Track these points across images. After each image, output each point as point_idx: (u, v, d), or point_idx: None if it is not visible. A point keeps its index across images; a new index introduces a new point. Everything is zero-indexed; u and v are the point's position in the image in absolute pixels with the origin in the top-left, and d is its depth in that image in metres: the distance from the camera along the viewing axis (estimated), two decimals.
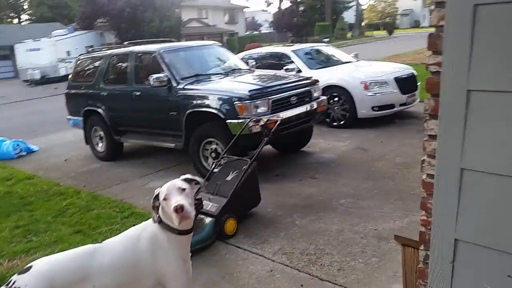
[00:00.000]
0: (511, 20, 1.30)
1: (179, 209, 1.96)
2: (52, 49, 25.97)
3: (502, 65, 1.34)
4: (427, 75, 1.65)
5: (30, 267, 1.96)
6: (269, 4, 71.19)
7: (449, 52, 1.42)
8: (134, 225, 3.57)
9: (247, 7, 53.73)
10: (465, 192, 1.50)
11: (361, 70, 8.04)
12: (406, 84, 7.54)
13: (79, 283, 1.98)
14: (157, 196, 2.13)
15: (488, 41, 1.35)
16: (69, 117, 7.58)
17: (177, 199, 2.00)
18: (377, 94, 7.28)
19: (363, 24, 57.10)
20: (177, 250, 2.13)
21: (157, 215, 2.14)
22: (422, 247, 1.80)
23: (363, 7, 60.97)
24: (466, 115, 1.43)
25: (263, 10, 57.14)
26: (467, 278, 1.57)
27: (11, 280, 1.88)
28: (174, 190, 2.06)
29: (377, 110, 7.34)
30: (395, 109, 7.46)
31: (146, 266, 2.09)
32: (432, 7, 1.55)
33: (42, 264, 1.99)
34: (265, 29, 56.68)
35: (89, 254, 2.07)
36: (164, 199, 2.06)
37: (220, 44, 7.38)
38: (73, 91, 7.37)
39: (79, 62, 7.49)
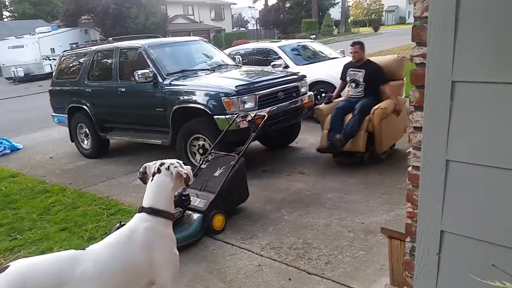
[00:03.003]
0: (495, 10, 1.30)
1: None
2: (36, 46, 25.54)
3: (486, 56, 1.34)
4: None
5: (7, 266, 1.87)
6: (255, 1, 70.91)
7: (433, 43, 1.42)
8: (120, 221, 3.55)
9: (234, 3, 53.49)
10: (451, 184, 1.51)
11: None
12: None
13: None
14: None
15: (472, 31, 1.35)
16: (53, 114, 7.47)
17: None
18: None
19: (349, 20, 57.32)
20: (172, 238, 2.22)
21: None
22: (408, 239, 1.80)
23: (349, 4, 61.18)
24: (451, 106, 1.44)
25: (250, 7, 56.99)
26: (453, 269, 1.58)
27: None
28: None
29: None
30: None
31: (142, 266, 2.06)
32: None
33: (19, 266, 1.89)
34: (252, 26, 56.51)
35: (69, 260, 1.96)
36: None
37: (206, 40, 7.34)
38: (57, 88, 7.26)
39: (63, 58, 7.37)
